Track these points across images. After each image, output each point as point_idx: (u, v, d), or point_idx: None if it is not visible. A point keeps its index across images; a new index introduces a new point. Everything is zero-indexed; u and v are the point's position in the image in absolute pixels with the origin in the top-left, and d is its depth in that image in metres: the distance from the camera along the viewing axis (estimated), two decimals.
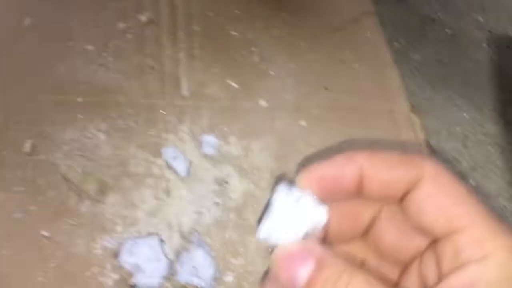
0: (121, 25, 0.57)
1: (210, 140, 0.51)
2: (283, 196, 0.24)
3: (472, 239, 0.22)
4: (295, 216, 0.24)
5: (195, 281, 0.42)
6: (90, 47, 0.55)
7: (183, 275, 0.42)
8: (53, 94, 0.50)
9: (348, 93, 0.60)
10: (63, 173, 0.44)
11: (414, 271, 0.25)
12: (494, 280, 0.21)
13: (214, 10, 0.62)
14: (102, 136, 0.49)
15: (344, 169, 0.24)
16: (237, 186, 0.50)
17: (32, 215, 0.43)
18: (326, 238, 0.26)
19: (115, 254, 0.42)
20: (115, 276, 0.42)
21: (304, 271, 0.22)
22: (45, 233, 0.43)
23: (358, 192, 0.24)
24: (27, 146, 0.46)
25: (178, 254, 0.43)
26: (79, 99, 0.51)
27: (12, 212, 0.43)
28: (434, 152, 0.59)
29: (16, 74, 0.50)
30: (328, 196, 0.24)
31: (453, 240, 0.22)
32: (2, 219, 0.42)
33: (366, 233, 0.27)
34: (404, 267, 0.26)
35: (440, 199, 0.23)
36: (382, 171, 0.24)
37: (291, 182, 0.24)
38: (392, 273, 0.26)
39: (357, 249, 0.27)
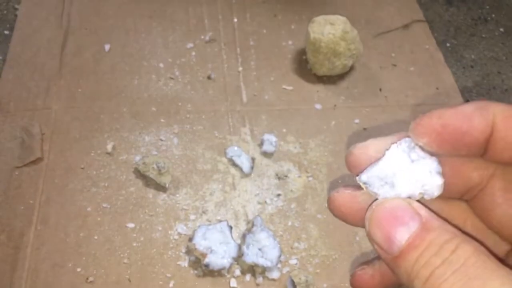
0: (188, 45, 0.64)
1: (270, 139, 0.55)
2: (400, 151, 0.21)
3: None
4: (406, 174, 0.21)
5: (261, 261, 0.45)
6: (161, 65, 0.62)
7: (250, 256, 0.46)
8: (131, 105, 0.57)
9: (401, 94, 0.63)
10: (141, 170, 0.50)
11: None
12: None
13: (267, 27, 0.68)
14: (174, 139, 0.55)
15: (473, 119, 0.20)
16: (297, 180, 0.53)
17: (117, 206, 0.49)
18: None
19: (190, 239, 0.46)
20: (190, 258, 0.46)
21: (405, 231, 0.19)
22: (129, 222, 0.48)
23: (484, 150, 0.20)
24: (109, 147, 0.52)
25: (244, 237, 0.47)
26: (153, 109, 0.57)
27: (101, 203, 0.49)
28: None
29: (99, 91, 0.58)
30: (447, 150, 0.21)
31: None
32: (94, 209, 0.48)
33: (471, 195, 0.23)
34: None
35: None
36: None
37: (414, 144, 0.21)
38: (496, 248, 0.22)
39: (456, 212, 0.23)
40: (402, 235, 0.19)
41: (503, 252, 0.22)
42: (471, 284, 0.17)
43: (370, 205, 0.20)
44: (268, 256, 0.46)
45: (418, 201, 0.20)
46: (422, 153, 0.21)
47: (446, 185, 0.21)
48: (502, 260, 0.19)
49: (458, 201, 0.23)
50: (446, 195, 0.22)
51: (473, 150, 0.20)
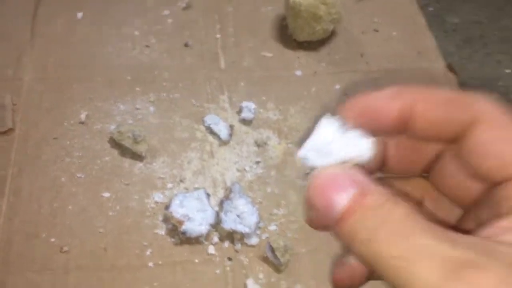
0: (164, 12, 0.62)
1: (249, 106, 0.54)
2: (328, 124, 0.23)
3: None
4: (339, 142, 0.23)
5: (240, 228, 0.45)
6: (136, 33, 0.60)
7: (228, 223, 0.45)
8: (105, 74, 0.56)
9: (383, 59, 0.62)
10: (116, 139, 0.49)
11: (471, 214, 0.24)
12: None
13: None
14: (151, 108, 0.54)
15: (392, 101, 0.22)
16: (276, 147, 0.53)
17: (92, 176, 0.48)
18: (384, 169, 0.25)
19: (166, 207, 0.46)
20: (167, 226, 0.46)
21: (344, 197, 0.20)
22: (104, 191, 0.47)
23: (405, 129, 0.23)
24: (82, 117, 0.51)
25: (222, 204, 0.46)
26: (128, 77, 0.56)
27: (75, 174, 0.48)
28: None
29: (72, 60, 0.56)
30: (371, 129, 0.23)
31: (510, 187, 0.21)
32: (68, 179, 0.47)
33: (428, 171, 0.25)
34: (464, 211, 0.25)
35: (497, 144, 0.21)
36: (434, 109, 0.22)
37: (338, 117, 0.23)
38: (449, 216, 0.24)
39: (417, 188, 0.25)
40: (341, 200, 0.20)
41: (458, 217, 0.24)
42: (401, 240, 0.19)
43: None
44: (246, 223, 0.45)
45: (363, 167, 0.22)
46: (346, 123, 0.23)
47: (403, 161, 0.24)
48: (455, 226, 0.23)
49: (418, 178, 0.25)
50: (408, 171, 0.25)
51: (395, 130, 0.23)
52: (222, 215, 0.45)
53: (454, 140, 0.22)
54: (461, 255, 0.18)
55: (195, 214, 0.45)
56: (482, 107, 0.21)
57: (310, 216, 0.22)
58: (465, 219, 0.24)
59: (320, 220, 0.21)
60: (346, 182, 0.20)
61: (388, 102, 0.22)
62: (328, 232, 0.21)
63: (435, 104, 0.22)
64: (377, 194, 0.20)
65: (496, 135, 0.21)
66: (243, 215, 0.46)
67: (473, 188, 0.23)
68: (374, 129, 0.23)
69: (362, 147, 0.22)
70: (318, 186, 0.21)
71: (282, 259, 0.43)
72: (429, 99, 0.22)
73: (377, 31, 0.65)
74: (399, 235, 0.19)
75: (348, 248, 0.21)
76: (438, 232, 0.19)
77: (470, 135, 0.22)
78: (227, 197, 0.47)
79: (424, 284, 0.18)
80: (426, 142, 0.24)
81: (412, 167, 0.25)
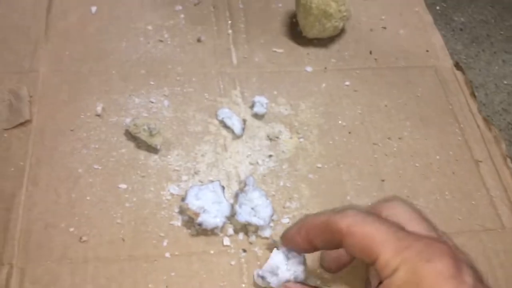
0: (176, 7, 0.63)
1: (261, 101, 0.55)
2: (277, 253, 0.40)
3: (383, 263, 0.28)
4: (285, 267, 0.39)
5: (254, 220, 0.46)
6: (149, 27, 0.61)
7: (243, 216, 0.46)
8: (120, 68, 0.56)
9: (391, 56, 0.63)
10: (132, 132, 0.50)
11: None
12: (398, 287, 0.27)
13: None
14: (165, 102, 0.54)
15: (295, 236, 0.37)
16: (288, 141, 0.54)
17: (109, 167, 0.49)
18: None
19: (182, 199, 0.46)
20: (183, 217, 0.46)
21: None
22: (121, 183, 0.48)
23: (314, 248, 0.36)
24: (98, 109, 0.52)
25: (237, 197, 0.47)
26: (143, 71, 0.56)
27: (92, 165, 0.49)
28: (482, 105, 0.61)
29: (87, 53, 0.57)
30: (298, 251, 0.39)
31: (375, 268, 0.30)
32: (85, 170, 0.48)
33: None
34: None
35: (357, 246, 0.30)
36: (317, 237, 0.35)
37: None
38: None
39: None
40: None
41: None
42: None
43: None
44: (260, 215, 0.46)
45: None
46: (294, 253, 0.39)
47: (332, 266, 0.41)
48: None
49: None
50: (340, 267, 0.41)
51: (308, 250, 0.37)
52: (237, 207, 0.46)
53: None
54: None
55: (210, 206, 0.46)
56: (342, 225, 0.31)
57: None
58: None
59: None
60: None
61: (295, 237, 0.37)
62: None
63: (317, 232, 0.34)
64: None
65: (354, 240, 0.31)
66: (257, 208, 0.46)
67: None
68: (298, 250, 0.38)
69: (300, 272, 0.39)
70: None
71: None
72: (313, 230, 0.34)
73: (385, 28, 0.66)
74: None
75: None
76: None
77: (344, 245, 0.32)
78: (241, 190, 0.48)
79: None
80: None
81: (340, 265, 0.40)
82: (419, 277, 0.26)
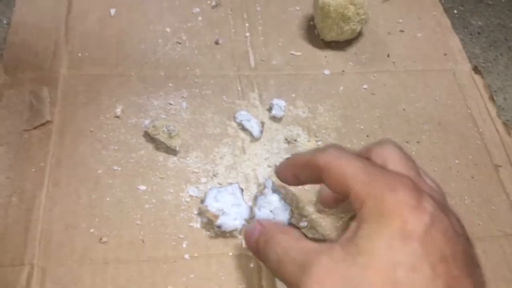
0: (194, 9, 0.63)
1: (279, 103, 0.55)
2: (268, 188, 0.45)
3: (354, 197, 0.30)
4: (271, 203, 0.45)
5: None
6: (168, 29, 0.61)
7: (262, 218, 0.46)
8: (139, 69, 0.57)
9: (409, 60, 0.63)
10: (151, 134, 0.50)
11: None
12: (367, 217, 0.29)
13: None
14: (183, 104, 0.55)
15: (287, 173, 0.40)
16: (306, 144, 0.54)
17: (128, 169, 0.49)
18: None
19: (201, 201, 0.46)
20: (202, 219, 0.47)
21: (255, 234, 0.36)
22: (140, 184, 0.48)
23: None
24: (118, 111, 0.52)
25: (255, 199, 0.47)
26: (161, 73, 0.57)
27: (111, 166, 0.49)
28: (501, 109, 0.60)
29: (106, 55, 0.57)
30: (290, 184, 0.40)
31: (350, 200, 0.31)
32: (104, 171, 0.48)
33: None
34: None
35: (332, 180, 0.32)
36: (301, 174, 0.37)
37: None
38: None
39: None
40: (253, 237, 0.36)
41: None
42: (277, 246, 0.33)
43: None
44: (279, 218, 0.46)
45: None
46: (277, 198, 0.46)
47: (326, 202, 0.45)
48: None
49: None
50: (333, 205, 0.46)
51: (296, 183, 0.40)
52: (256, 210, 0.46)
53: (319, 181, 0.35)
54: (307, 257, 0.29)
55: (229, 209, 0.46)
56: (320, 161, 0.33)
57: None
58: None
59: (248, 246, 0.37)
60: (257, 226, 0.36)
61: (286, 173, 0.40)
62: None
63: (300, 170, 0.37)
64: (269, 228, 0.35)
65: (330, 175, 0.32)
66: (276, 210, 0.46)
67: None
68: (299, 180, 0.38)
69: (283, 215, 0.45)
70: (245, 233, 0.38)
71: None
72: (297, 168, 0.37)
73: (402, 31, 0.66)
74: (276, 244, 0.33)
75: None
76: (297, 237, 0.32)
77: (324, 180, 0.34)
78: (260, 192, 0.48)
79: (289, 277, 0.30)
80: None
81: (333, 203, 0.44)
82: (383, 206, 0.28)
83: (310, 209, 0.49)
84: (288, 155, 0.52)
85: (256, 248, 0.35)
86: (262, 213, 0.46)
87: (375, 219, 0.28)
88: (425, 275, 0.26)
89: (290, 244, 0.31)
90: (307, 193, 0.50)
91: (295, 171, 0.37)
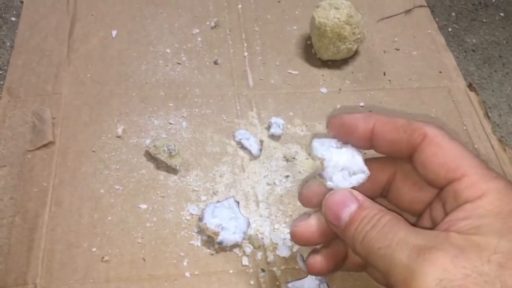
0: (194, 30, 0.65)
1: (277, 122, 0.56)
2: (321, 144, 0.33)
3: (469, 184, 0.27)
4: (346, 164, 0.32)
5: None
6: (168, 50, 0.62)
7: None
8: (140, 90, 0.58)
9: (405, 78, 0.64)
10: (152, 153, 0.51)
11: (427, 217, 0.31)
12: (484, 213, 0.26)
13: (272, 13, 0.69)
14: (183, 123, 0.56)
15: (359, 122, 0.31)
16: (305, 162, 0.54)
17: (130, 188, 0.50)
18: None
19: (200, 219, 0.47)
20: (202, 237, 0.47)
21: (347, 211, 0.29)
22: (141, 203, 0.49)
23: (370, 144, 0.32)
24: (119, 131, 0.53)
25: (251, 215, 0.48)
26: (162, 93, 0.58)
27: (113, 185, 0.50)
28: (496, 126, 0.61)
29: (108, 76, 0.58)
30: (346, 140, 0.32)
31: (453, 187, 0.28)
32: (106, 191, 0.49)
33: (386, 192, 0.34)
34: (419, 216, 0.32)
35: (440, 156, 0.28)
36: (388, 132, 0.30)
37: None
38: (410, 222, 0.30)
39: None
40: (345, 214, 0.29)
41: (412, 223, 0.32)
42: (384, 237, 0.27)
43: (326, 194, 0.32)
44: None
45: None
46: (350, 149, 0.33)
47: (364, 190, 0.31)
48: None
49: (379, 199, 0.34)
50: (370, 196, 0.31)
51: (363, 144, 0.32)
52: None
53: (408, 156, 0.30)
54: (425, 242, 0.25)
55: (228, 223, 0.47)
56: (428, 130, 0.29)
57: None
58: (420, 223, 0.32)
59: (334, 229, 0.30)
60: (350, 200, 0.30)
61: (356, 123, 0.31)
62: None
63: (388, 128, 0.30)
64: (371, 208, 0.29)
65: (437, 149, 0.28)
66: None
67: (423, 198, 0.31)
68: (349, 141, 0.32)
69: (362, 171, 0.32)
70: (329, 204, 0.31)
71: None
72: (384, 124, 0.30)
73: (398, 50, 0.67)
74: (383, 234, 0.27)
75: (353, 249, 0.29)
76: (410, 229, 0.26)
77: (420, 152, 0.29)
78: (257, 212, 0.48)
79: (400, 264, 0.25)
80: (390, 161, 0.33)
81: (372, 191, 0.34)
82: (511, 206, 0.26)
83: None
84: (287, 173, 0.53)
85: (349, 225, 0.29)
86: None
87: (503, 215, 0.26)
88: None
89: (399, 226, 0.27)
90: (305, 210, 0.50)
91: (377, 129, 0.30)
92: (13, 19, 0.64)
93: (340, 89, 0.61)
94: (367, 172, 0.32)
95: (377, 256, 0.26)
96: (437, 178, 0.29)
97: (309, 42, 0.65)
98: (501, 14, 0.75)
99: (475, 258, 0.24)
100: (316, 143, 0.33)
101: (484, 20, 0.74)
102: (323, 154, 0.32)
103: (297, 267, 0.46)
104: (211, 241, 0.47)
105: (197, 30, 0.65)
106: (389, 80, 0.63)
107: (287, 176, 0.53)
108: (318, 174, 0.33)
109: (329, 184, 0.32)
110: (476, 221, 0.26)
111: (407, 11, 0.72)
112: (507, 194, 0.26)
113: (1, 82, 0.56)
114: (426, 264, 0.24)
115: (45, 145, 0.51)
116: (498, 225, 0.25)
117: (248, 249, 0.47)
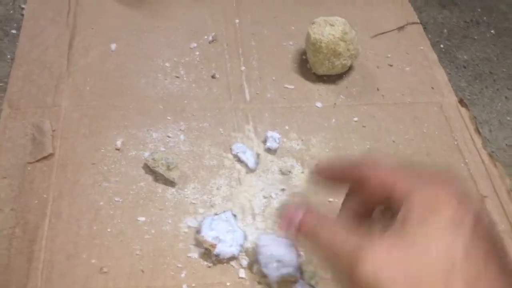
0: (192, 44, 0.66)
1: (273, 136, 0.57)
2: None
3: (399, 189, 0.30)
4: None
5: (284, 271, 0.47)
6: (166, 64, 0.63)
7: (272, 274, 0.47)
8: (138, 103, 0.59)
9: (398, 93, 0.65)
10: (150, 166, 0.52)
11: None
12: (416, 206, 0.29)
13: (268, 28, 0.70)
14: (181, 136, 0.57)
15: (353, 170, 0.35)
16: (300, 175, 0.56)
17: (128, 200, 0.51)
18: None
19: (197, 231, 0.48)
20: (200, 249, 0.48)
21: (299, 215, 0.33)
22: (140, 215, 0.50)
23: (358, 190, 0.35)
24: (118, 143, 0.54)
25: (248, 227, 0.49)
26: (160, 106, 0.59)
27: (112, 198, 0.50)
28: (487, 141, 0.63)
29: (107, 89, 0.59)
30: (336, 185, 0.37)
31: (392, 195, 0.31)
32: (105, 203, 0.50)
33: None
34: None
35: (379, 179, 0.32)
36: (380, 183, 0.33)
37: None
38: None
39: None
40: (296, 217, 0.33)
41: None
42: (327, 232, 0.30)
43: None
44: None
45: None
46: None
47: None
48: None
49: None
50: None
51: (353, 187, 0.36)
52: (249, 236, 0.48)
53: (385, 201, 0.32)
54: (358, 240, 0.28)
55: (225, 235, 0.48)
56: (369, 164, 0.33)
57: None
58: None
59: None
60: (299, 210, 0.33)
61: (351, 170, 0.35)
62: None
63: (380, 180, 0.33)
64: (315, 212, 0.33)
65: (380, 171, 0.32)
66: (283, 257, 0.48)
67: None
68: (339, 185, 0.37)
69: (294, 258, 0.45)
70: (283, 215, 0.34)
71: (312, 281, 0.45)
72: (377, 175, 0.33)
73: (391, 65, 0.69)
74: (326, 230, 0.31)
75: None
76: (346, 226, 0.30)
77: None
78: (254, 225, 0.49)
79: (340, 263, 0.28)
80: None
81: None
82: (434, 196, 0.29)
83: None
84: (283, 187, 0.54)
85: (303, 229, 0.33)
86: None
87: (426, 208, 0.28)
88: (478, 261, 0.27)
89: (338, 228, 0.31)
90: None
91: (338, 171, 0.36)
92: (13, 31, 0.64)
93: (335, 104, 0.63)
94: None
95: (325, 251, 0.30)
96: (381, 200, 0.32)
97: (304, 57, 0.67)
98: (492, 31, 0.77)
99: (403, 251, 0.27)
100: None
101: (476, 37, 0.76)
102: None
103: (292, 280, 0.47)
104: (208, 253, 0.48)
105: (195, 44, 0.66)
106: (383, 95, 0.65)
107: (283, 189, 0.54)
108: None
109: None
110: (402, 221, 0.29)
111: (400, 28, 0.73)
112: (430, 185, 0.29)
113: (2, 94, 0.57)
114: (361, 264, 0.27)
115: (45, 157, 0.52)
116: (421, 217, 0.28)
117: (245, 261, 0.48)
